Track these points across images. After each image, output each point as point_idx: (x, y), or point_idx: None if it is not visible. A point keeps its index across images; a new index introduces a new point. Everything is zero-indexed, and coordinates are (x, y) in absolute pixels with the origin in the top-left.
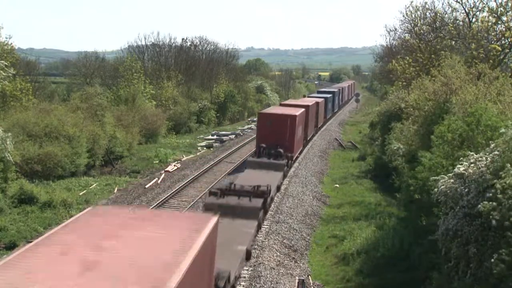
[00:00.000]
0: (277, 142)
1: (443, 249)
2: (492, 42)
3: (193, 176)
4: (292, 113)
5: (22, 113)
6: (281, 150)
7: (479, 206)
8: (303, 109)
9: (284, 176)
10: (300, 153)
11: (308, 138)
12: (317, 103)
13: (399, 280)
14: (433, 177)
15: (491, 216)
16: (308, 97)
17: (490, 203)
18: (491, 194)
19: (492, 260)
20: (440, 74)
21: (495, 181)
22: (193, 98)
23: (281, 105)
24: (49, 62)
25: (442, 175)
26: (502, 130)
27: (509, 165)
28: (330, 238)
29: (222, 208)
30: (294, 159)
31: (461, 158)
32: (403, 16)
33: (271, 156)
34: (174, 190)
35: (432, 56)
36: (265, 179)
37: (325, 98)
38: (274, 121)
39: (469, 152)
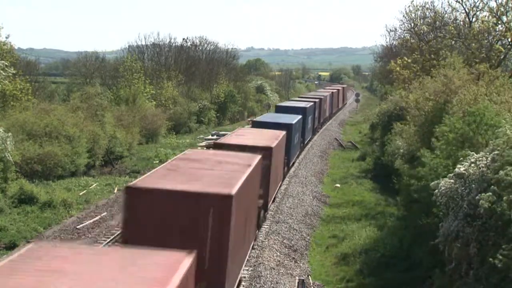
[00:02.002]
0: None
1: (445, 251)
2: (493, 42)
3: None
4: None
5: (22, 113)
6: None
7: (479, 199)
8: (239, 182)
9: None
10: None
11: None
12: (268, 149)
13: (399, 280)
14: (434, 182)
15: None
16: (252, 122)
17: (488, 194)
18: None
19: (496, 257)
20: (440, 74)
21: (496, 176)
22: (193, 98)
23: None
24: (49, 62)
25: (441, 179)
26: (500, 129)
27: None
28: (330, 238)
29: None
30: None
31: (461, 158)
32: (403, 16)
33: None
34: None
35: (432, 56)
36: None
37: (289, 127)
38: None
39: (470, 152)
